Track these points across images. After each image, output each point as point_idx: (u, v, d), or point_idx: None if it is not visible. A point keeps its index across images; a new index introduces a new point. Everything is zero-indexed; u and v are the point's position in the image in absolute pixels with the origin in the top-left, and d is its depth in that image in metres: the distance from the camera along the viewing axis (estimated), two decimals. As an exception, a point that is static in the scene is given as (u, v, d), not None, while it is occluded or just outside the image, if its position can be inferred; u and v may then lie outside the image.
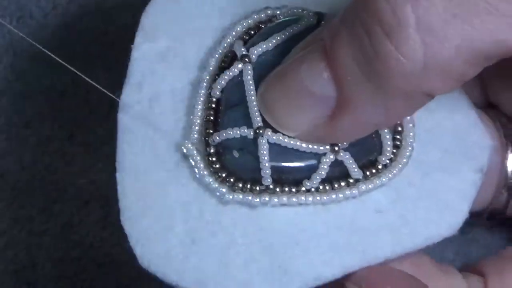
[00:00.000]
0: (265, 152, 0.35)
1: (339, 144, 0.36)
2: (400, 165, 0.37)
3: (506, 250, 0.40)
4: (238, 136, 0.35)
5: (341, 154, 0.36)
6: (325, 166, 0.36)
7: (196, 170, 0.36)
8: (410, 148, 0.37)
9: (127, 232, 0.36)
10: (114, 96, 0.37)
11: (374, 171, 0.37)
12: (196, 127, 0.37)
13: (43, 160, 0.47)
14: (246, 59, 0.36)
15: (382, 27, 0.31)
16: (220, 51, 0.38)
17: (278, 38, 0.37)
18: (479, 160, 0.38)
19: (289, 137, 0.35)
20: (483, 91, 0.43)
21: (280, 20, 0.38)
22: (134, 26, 0.38)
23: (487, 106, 0.43)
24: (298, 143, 0.35)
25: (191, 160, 0.36)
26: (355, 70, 0.32)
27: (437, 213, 0.37)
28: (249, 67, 0.36)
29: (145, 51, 0.38)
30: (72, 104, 0.47)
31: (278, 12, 0.38)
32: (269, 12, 0.38)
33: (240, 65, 0.36)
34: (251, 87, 0.36)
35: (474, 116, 0.39)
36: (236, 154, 0.36)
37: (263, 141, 0.35)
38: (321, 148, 0.35)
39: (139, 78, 0.37)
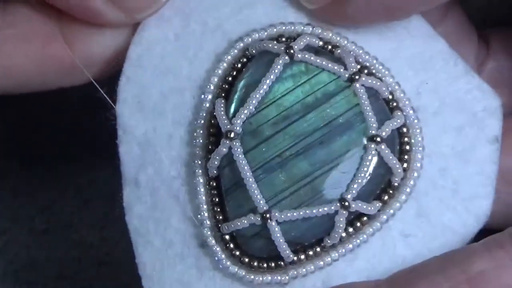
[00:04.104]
0: (278, 235, 0.34)
1: (348, 197, 0.34)
2: (415, 174, 0.35)
3: None
4: (247, 225, 0.34)
5: (353, 205, 0.34)
6: (341, 225, 0.34)
7: (220, 263, 0.35)
8: (420, 148, 0.35)
9: None
10: (112, 102, 0.37)
11: (391, 191, 0.35)
12: (205, 214, 0.35)
13: (43, 160, 0.47)
14: (231, 135, 0.34)
15: None
16: (203, 115, 0.36)
17: (255, 99, 0.35)
18: (491, 128, 0.36)
19: (295, 209, 0.34)
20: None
21: (250, 71, 0.35)
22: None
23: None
24: (308, 211, 0.34)
25: (213, 252, 0.35)
26: None
27: (463, 211, 0.36)
28: (237, 143, 0.34)
29: (129, 143, 0.36)
30: (73, 105, 0.47)
31: (247, 41, 0.36)
32: (241, 45, 0.36)
33: (227, 142, 0.34)
34: (246, 168, 0.34)
35: (474, 78, 0.37)
36: (251, 239, 0.35)
37: (273, 223, 0.34)
38: (332, 208, 0.34)
39: (134, 173, 0.36)
